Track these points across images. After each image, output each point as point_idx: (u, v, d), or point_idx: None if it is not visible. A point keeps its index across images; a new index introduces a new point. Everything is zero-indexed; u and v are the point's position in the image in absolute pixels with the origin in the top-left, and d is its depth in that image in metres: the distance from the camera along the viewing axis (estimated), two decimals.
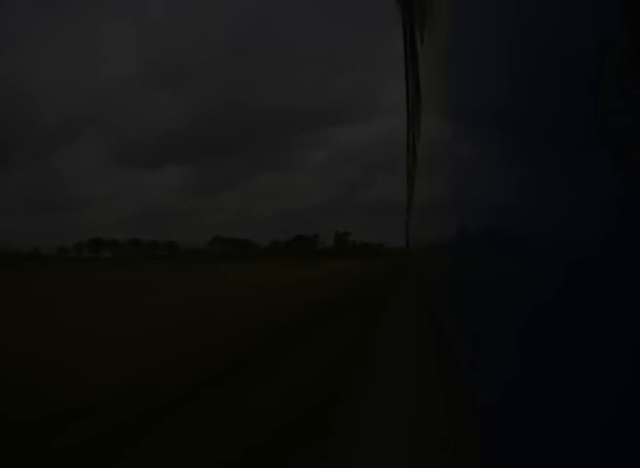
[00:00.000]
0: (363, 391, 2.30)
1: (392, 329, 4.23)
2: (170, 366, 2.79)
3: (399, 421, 1.86)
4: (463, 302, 1.65)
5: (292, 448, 1.66)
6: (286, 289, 9.00)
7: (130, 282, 12.97)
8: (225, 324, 4.36)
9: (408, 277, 12.05)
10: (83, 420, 1.91)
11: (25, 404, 2.08)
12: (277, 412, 1.98)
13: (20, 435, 1.75)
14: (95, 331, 4.06)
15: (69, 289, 10.31)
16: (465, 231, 1.59)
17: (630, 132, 0.39)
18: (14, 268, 29.51)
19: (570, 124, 0.52)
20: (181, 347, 3.30)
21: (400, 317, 5.08)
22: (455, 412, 1.71)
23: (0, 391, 2.31)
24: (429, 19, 2.91)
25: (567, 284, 0.56)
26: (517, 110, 0.79)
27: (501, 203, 0.96)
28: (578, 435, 0.53)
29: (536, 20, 0.65)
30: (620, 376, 0.42)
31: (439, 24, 2.20)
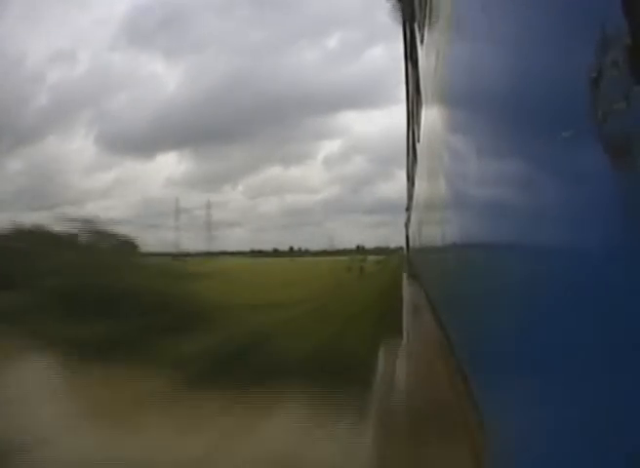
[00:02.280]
0: None
1: None
2: None
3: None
4: (465, 304, 1.65)
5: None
6: None
7: None
8: None
9: None
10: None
11: None
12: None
13: None
14: None
15: None
16: (465, 231, 1.59)
17: (630, 132, 0.39)
18: None
19: (569, 124, 0.52)
20: None
21: None
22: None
23: None
24: (429, 18, 2.91)
25: (567, 285, 0.56)
26: (517, 110, 0.79)
27: (500, 203, 0.96)
28: (576, 438, 0.53)
29: (535, 20, 0.65)
30: (625, 378, 0.42)
31: (439, 24, 2.20)
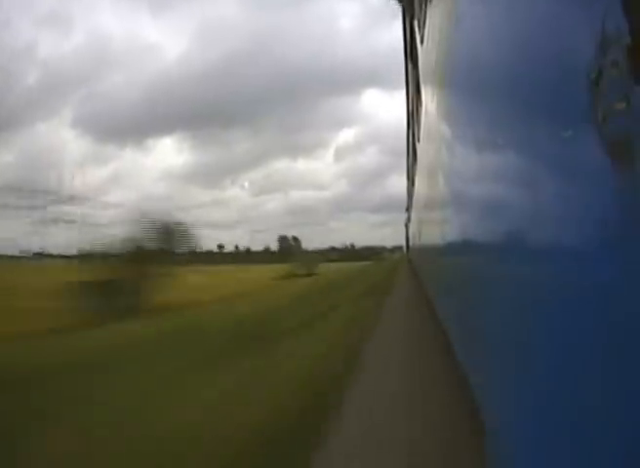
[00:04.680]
0: None
1: None
2: None
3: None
4: (465, 302, 1.65)
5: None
6: None
7: None
8: None
9: None
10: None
11: None
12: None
13: None
14: None
15: None
16: (465, 231, 1.58)
17: (630, 132, 0.39)
18: None
19: (570, 124, 0.52)
20: None
21: None
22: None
23: None
24: (429, 18, 2.91)
25: (567, 283, 0.56)
26: (517, 111, 0.79)
27: (501, 203, 0.96)
28: (576, 436, 0.53)
29: (536, 21, 0.65)
30: (625, 376, 0.42)
31: (439, 24, 2.20)
